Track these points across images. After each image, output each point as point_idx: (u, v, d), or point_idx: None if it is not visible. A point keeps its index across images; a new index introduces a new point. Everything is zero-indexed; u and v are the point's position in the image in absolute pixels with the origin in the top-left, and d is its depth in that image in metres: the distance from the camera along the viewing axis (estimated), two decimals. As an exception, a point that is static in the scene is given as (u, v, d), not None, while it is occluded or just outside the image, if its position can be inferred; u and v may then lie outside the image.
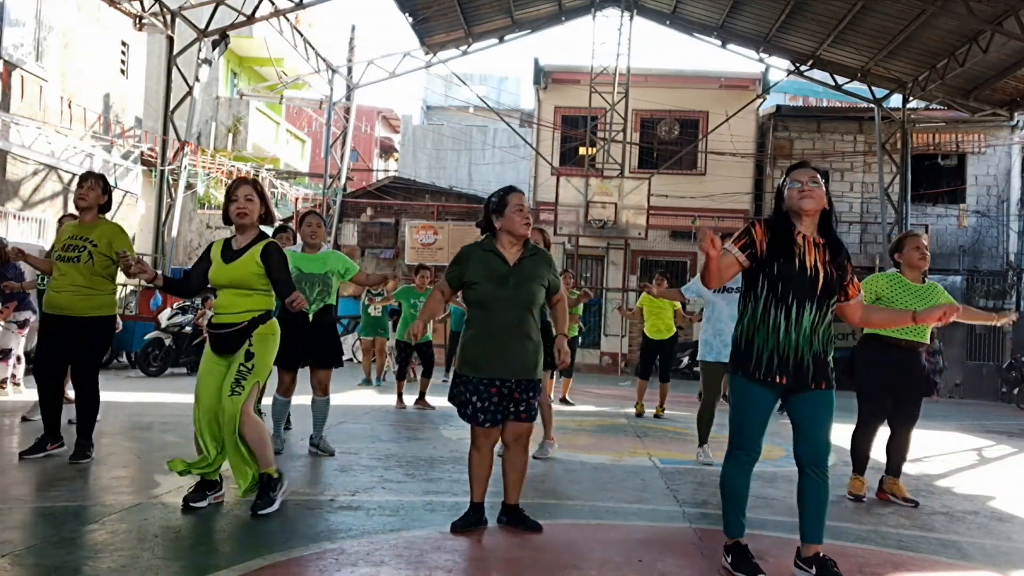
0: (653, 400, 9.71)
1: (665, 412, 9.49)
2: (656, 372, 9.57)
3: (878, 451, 5.23)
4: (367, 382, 11.58)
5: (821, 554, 3.28)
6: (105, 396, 6.62)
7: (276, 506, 3.95)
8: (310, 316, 5.51)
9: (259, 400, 5.98)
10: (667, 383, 9.54)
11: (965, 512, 4.97)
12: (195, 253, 20.71)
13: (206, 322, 4.20)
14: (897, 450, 5.12)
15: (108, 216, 5.35)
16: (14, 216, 13.56)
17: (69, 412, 5.37)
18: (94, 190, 5.07)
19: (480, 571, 3.26)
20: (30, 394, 8.50)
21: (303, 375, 5.69)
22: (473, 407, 3.79)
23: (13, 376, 8.59)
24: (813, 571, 3.25)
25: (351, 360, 14.95)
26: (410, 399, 9.12)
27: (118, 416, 7.01)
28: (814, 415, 3.28)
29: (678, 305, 9.38)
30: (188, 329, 12.51)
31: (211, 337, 4.13)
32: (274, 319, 4.17)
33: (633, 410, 9.60)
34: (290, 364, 5.53)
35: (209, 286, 4.19)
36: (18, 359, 8.64)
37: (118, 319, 5.45)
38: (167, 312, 12.63)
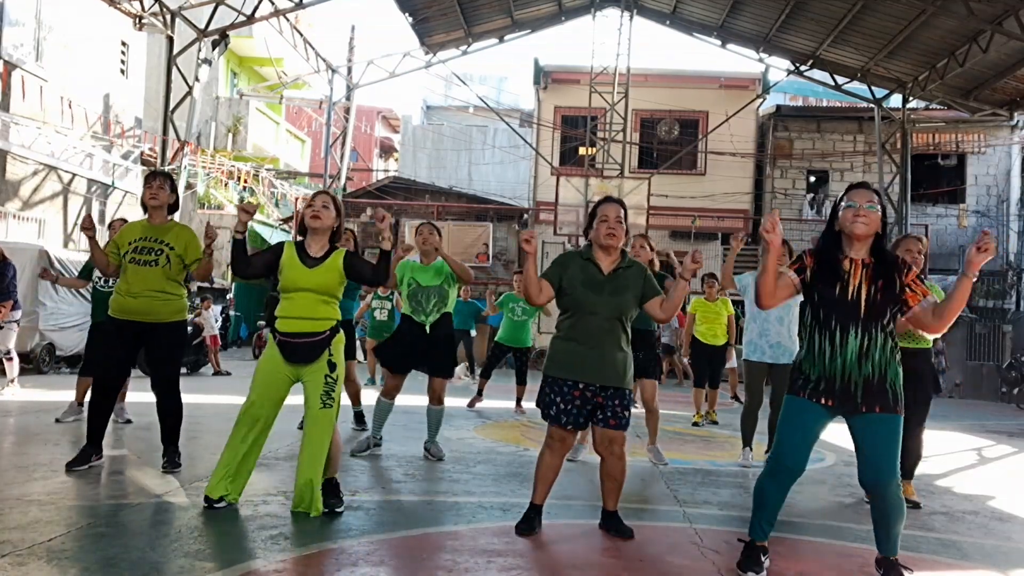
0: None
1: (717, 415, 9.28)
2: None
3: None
4: (371, 381, 11.61)
5: (891, 559, 3.28)
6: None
7: (344, 506, 4.08)
8: (427, 327, 5.58)
9: (359, 402, 6.61)
10: (717, 389, 9.40)
11: (965, 512, 4.97)
12: (195, 253, 20.68)
13: (273, 331, 4.07)
14: (910, 452, 5.10)
15: (127, 217, 5.26)
16: (14, 216, 13.56)
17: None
18: (163, 189, 4.89)
19: (479, 571, 3.26)
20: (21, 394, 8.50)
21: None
22: (557, 408, 3.83)
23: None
24: (881, 572, 3.28)
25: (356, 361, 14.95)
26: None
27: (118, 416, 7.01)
28: (869, 439, 3.25)
29: (732, 309, 9.23)
30: (188, 329, 12.51)
31: (288, 345, 3.99)
32: (341, 328, 4.18)
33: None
34: (401, 369, 5.62)
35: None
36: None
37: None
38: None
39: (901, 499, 3.27)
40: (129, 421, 6.73)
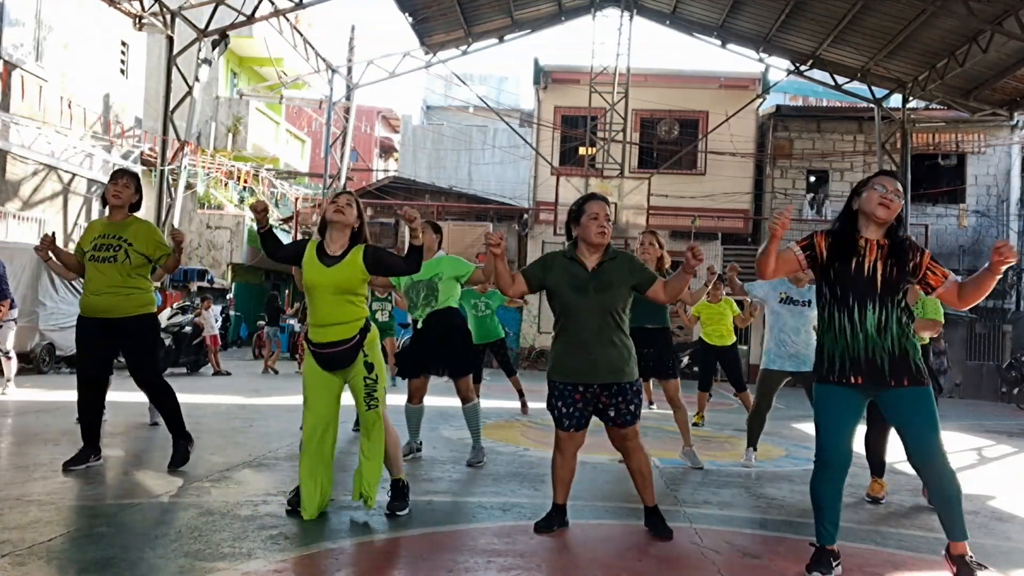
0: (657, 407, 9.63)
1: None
2: (702, 381, 9.16)
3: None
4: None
5: (966, 557, 3.24)
6: (107, 396, 6.64)
7: (408, 509, 4.11)
8: (419, 323, 5.53)
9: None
10: (745, 391, 8.83)
11: (965, 512, 4.95)
12: (195, 253, 20.73)
13: (307, 340, 4.09)
14: (876, 448, 5.15)
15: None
16: (14, 216, 13.56)
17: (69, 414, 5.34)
18: (128, 188, 4.89)
19: (479, 571, 3.26)
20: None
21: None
22: (559, 411, 3.86)
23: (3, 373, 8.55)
24: (955, 570, 3.26)
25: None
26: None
27: (118, 416, 7.01)
28: (908, 417, 3.28)
29: (737, 310, 8.93)
30: (188, 329, 12.51)
31: (322, 356, 3.98)
32: (373, 326, 4.16)
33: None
34: (412, 372, 5.59)
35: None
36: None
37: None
38: (167, 312, 12.64)
39: (953, 472, 3.28)
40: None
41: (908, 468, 5.51)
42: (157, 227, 5.09)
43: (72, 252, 5.00)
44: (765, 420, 6.16)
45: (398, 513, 4.04)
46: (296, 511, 3.95)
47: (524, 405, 9.13)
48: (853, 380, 3.27)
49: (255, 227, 4.23)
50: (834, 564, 3.34)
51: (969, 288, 3.30)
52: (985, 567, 3.25)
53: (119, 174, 4.98)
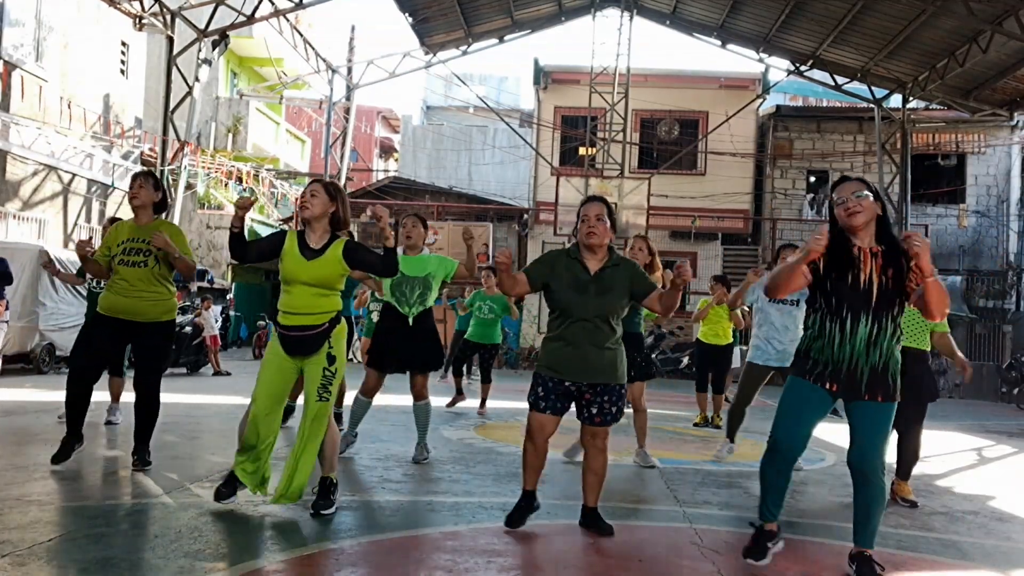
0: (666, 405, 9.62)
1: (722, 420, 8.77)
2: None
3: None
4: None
5: (866, 554, 3.34)
6: (106, 396, 6.65)
7: (334, 509, 4.02)
8: (410, 320, 5.46)
9: (340, 403, 5.84)
10: (722, 395, 8.92)
11: (965, 512, 4.97)
12: (195, 253, 20.72)
13: (275, 323, 4.11)
14: (908, 452, 5.13)
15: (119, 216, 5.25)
16: (14, 216, 13.56)
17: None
18: (144, 188, 4.89)
19: (479, 571, 3.26)
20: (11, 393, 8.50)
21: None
22: (536, 395, 3.87)
23: None
24: (854, 568, 3.35)
25: (352, 360, 14.95)
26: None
27: (128, 417, 7.00)
28: (863, 425, 3.33)
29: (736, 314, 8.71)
30: (188, 329, 12.52)
31: (287, 339, 4.00)
32: (343, 320, 4.13)
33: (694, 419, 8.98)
34: (380, 367, 5.53)
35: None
36: None
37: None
38: (167, 312, 12.62)
39: (884, 486, 3.32)
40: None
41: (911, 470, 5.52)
42: (182, 230, 5.08)
43: (93, 259, 4.95)
44: (744, 414, 6.18)
45: (323, 512, 3.93)
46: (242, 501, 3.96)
47: (483, 406, 9.12)
48: (829, 386, 3.32)
49: (233, 227, 4.11)
50: (771, 546, 3.44)
51: (923, 303, 3.25)
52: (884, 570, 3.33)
53: (135, 176, 4.99)
